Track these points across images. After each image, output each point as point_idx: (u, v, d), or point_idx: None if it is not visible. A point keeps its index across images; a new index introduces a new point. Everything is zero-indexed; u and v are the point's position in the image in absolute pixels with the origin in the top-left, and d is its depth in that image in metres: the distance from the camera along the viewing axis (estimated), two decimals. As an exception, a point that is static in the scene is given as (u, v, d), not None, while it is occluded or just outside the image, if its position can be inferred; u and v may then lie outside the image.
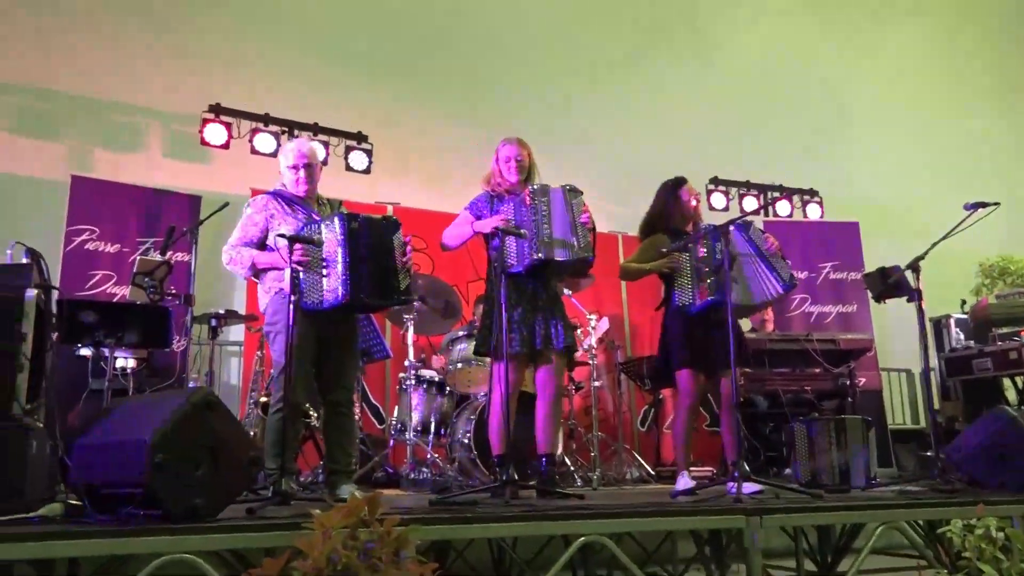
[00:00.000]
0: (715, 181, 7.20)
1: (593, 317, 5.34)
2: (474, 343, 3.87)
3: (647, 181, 4.16)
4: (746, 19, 8.41)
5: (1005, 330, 5.62)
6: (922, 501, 3.14)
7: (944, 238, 4.11)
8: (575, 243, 3.53)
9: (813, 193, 7.54)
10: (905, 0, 9.18)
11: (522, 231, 3.52)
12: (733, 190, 7.27)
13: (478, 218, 3.67)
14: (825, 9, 8.85)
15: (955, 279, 6.81)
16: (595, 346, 5.36)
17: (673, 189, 4.05)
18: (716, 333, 3.70)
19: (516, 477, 3.24)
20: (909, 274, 4.08)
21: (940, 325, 6.28)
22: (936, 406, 7.37)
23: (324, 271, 3.13)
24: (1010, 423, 3.53)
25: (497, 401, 3.46)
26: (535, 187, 3.61)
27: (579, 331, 5.36)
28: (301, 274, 3.11)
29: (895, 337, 7.64)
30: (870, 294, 4.43)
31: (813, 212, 7.44)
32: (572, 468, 4.86)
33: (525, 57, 7.46)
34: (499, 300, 3.40)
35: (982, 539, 2.62)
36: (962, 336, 6.05)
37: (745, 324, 6.34)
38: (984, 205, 4.11)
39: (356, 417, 3.78)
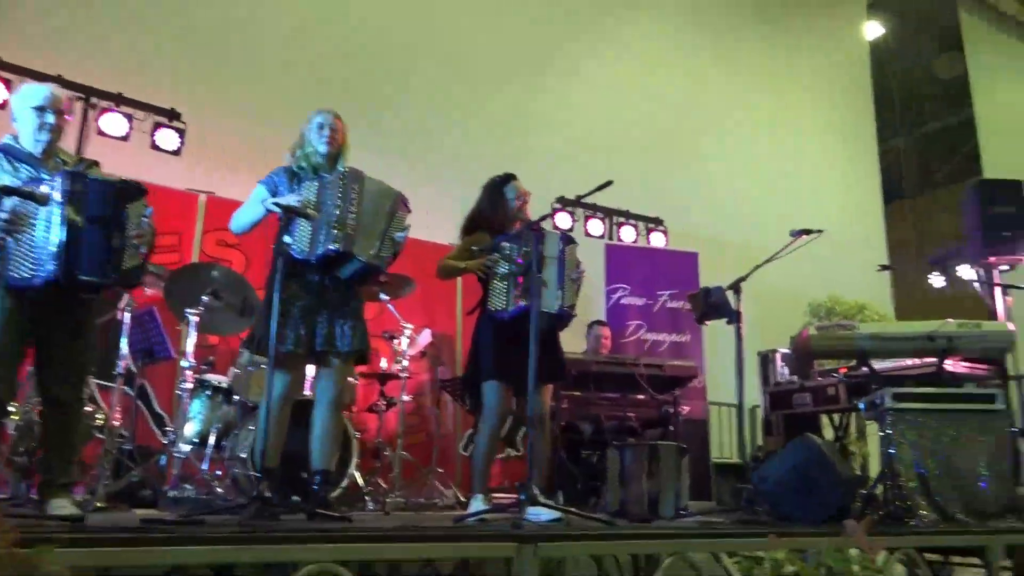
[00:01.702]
0: (561, 201, 7.04)
1: (409, 327, 4.96)
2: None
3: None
4: (607, 48, 8.44)
5: (829, 365, 5.68)
6: (715, 532, 2.92)
7: (767, 261, 4.14)
8: (377, 245, 3.21)
9: (658, 221, 7.56)
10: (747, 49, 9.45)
11: (311, 211, 3.12)
12: (579, 211, 7.14)
13: (274, 195, 3.25)
14: (680, 46, 9.01)
15: (786, 318, 6.99)
16: (408, 359, 4.99)
17: (498, 186, 3.81)
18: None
19: (285, 495, 2.93)
20: (731, 295, 4.01)
21: (766, 359, 6.31)
22: (760, 441, 7.70)
23: (36, 239, 2.62)
24: (815, 453, 3.43)
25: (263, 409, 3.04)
26: (348, 169, 3.25)
27: (397, 342, 4.99)
28: (8, 240, 2.56)
29: (727, 371, 7.77)
30: (694, 315, 4.32)
31: (657, 240, 7.47)
32: (366, 490, 4.44)
33: (381, 63, 7.08)
34: (272, 290, 2.97)
35: (770, 572, 2.42)
36: (786, 371, 6.10)
37: (580, 346, 6.20)
38: (808, 232, 4.10)
39: (95, 420, 3.22)
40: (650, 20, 8.90)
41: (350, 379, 4.72)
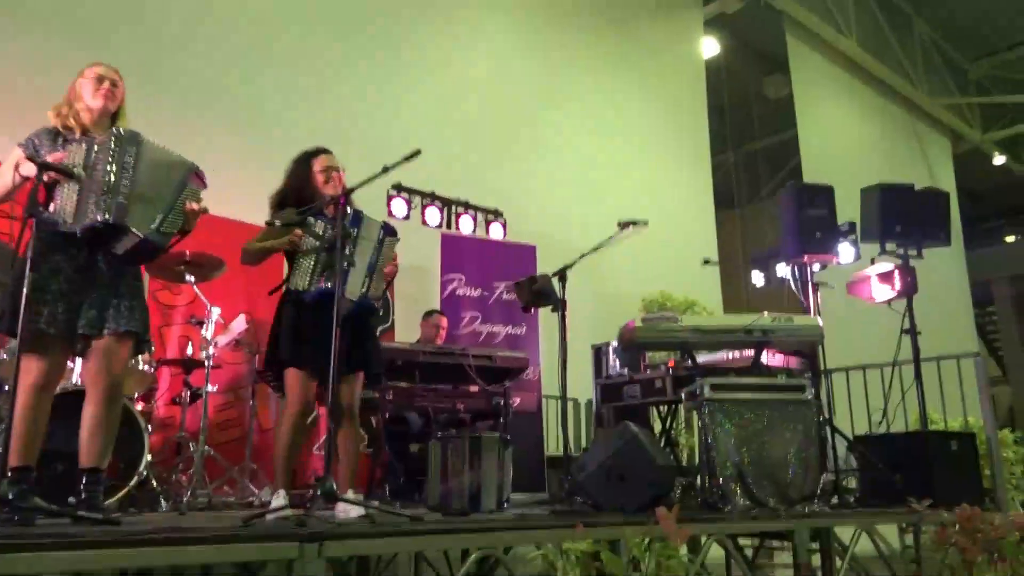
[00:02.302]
0: (397, 188, 6.76)
1: (216, 310, 4.54)
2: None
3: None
4: (455, 37, 8.32)
5: (660, 355, 5.73)
6: (525, 524, 2.76)
7: (595, 250, 4.17)
8: (159, 219, 2.89)
9: (497, 213, 7.46)
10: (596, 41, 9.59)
11: (76, 171, 2.74)
12: (416, 199, 6.91)
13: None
14: (529, 42, 9.01)
15: (622, 313, 7.10)
16: (217, 346, 4.58)
17: (305, 161, 3.54)
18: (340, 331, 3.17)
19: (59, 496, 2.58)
20: (556, 283, 3.91)
21: (600, 352, 6.36)
22: (592, 433, 7.80)
23: None
24: (631, 441, 3.37)
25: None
26: (125, 130, 2.89)
27: (207, 330, 4.56)
28: None
29: (572, 370, 7.85)
30: (520, 303, 4.21)
31: (496, 231, 7.38)
32: (159, 489, 3.99)
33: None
34: (22, 262, 2.55)
35: (575, 565, 2.26)
36: (618, 364, 6.15)
37: (412, 335, 5.97)
38: (635, 223, 4.05)
39: None
40: (503, 12, 8.83)
41: (144, 367, 4.25)
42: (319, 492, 2.64)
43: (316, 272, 3.23)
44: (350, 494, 3.26)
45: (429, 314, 5.95)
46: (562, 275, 3.87)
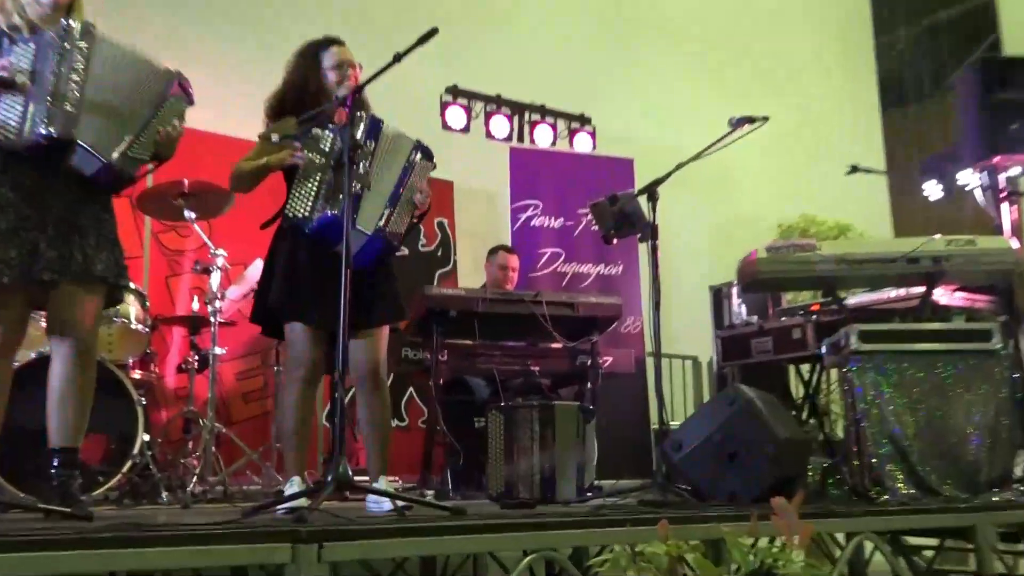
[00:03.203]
0: (453, 91, 6.67)
1: (222, 253, 4.55)
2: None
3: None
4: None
5: (804, 296, 5.53)
6: (598, 519, 2.66)
7: (696, 157, 3.88)
8: (127, 140, 2.88)
9: (584, 120, 7.33)
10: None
11: (18, 78, 2.73)
12: (478, 105, 6.82)
13: None
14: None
15: (752, 247, 6.98)
16: (229, 300, 4.62)
17: (312, 54, 3.43)
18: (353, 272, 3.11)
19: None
20: (643, 203, 3.77)
21: (721, 296, 6.24)
22: (707, 395, 7.72)
23: None
24: (743, 409, 3.25)
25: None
26: (75, 22, 2.86)
27: (215, 279, 4.60)
28: None
29: (682, 316, 7.74)
30: (600, 232, 4.10)
31: (582, 143, 7.29)
32: (159, 477, 4.08)
33: None
34: None
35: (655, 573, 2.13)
36: (744, 311, 5.96)
37: (478, 279, 5.90)
38: (751, 120, 3.86)
39: None
40: None
41: (137, 326, 4.31)
42: (329, 478, 2.59)
43: (320, 196, 3.13)
44: (382, 482, 3.26)
45: (495, 252, 5.88)
46: (651, 192, 3.68)
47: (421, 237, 6.74)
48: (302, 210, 3.14)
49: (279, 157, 3.23)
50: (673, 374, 7.82)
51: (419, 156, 3.35)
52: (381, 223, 3.23)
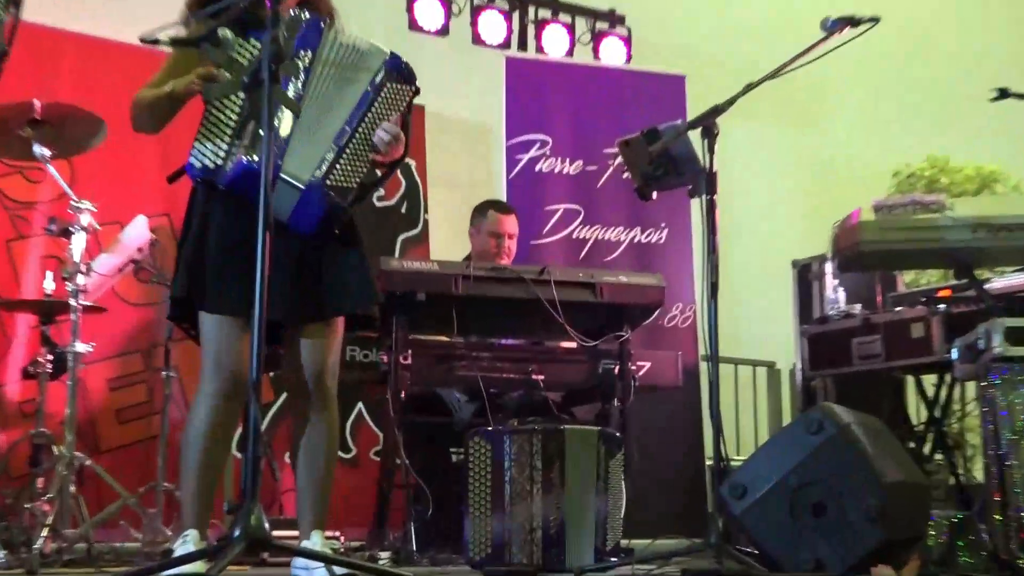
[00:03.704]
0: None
1: (88, 208, 4.56)
2: None
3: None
4: None
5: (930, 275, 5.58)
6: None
7: (776, 74, 3.90)
8: None
9: (616, 20, 7.33)
10: None
11: None
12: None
13: None
14: None
15: (857, 201, 6.99)
16: (96, 273, 4.64)
17: None
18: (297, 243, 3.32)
19: None
20: (696, 141, 3.81)
21: (808, 275, 6.37)
22: (788, 414, 7.79)
23: None
24: (836, 441, 3.31)
25: None
26: None
27: (77, 244, 4.61)
28: None
29: (752, 304, 7.76)
30: (633, 180, 4.18)
31: (611, 52, 7.37)
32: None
33: None
34: None
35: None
36: (842, 297, 6.01)
37: (458, 249, 5.96)
38: (855, 22, 3.89)
39: None
40: None
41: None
42: (236, 533, 2.62)
43: (237, 134, 3.17)
44: (315, 539, 3.30)
45: (483, 210, 5.89)
46: (708, 125, 3.71)
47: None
48: (211, 156, 3.17)
49: (184, 81, 3.26)
50: (739, 388, 7.91)
51: (389, 77, 3.38)
52: (320, 172, 3.26)
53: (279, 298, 3.10)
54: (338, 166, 3.29)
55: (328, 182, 3.27)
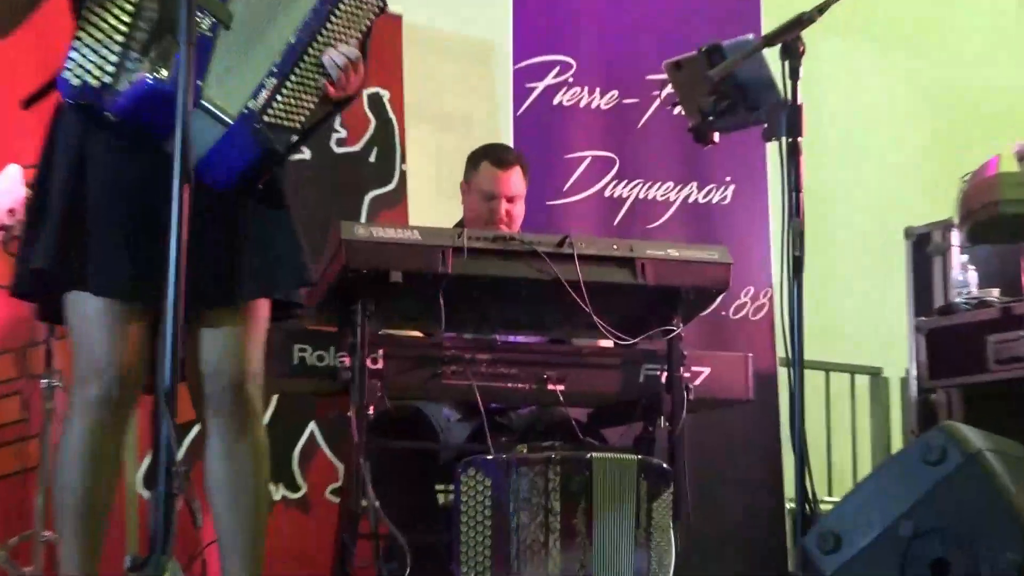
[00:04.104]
0: None
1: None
2: None
3: None
4: None
5: None
6: None
7: None
8: None
9: None
10: None
11: None
12: None
13: None
14: None
15: (996, 146, 6.99)
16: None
17: None
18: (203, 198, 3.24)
19: None
20: (773, 62, 3.83)
21: (927, 248, 6.41)
22: (898, 438, 7.80)
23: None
24: (963, 475, 3.37)
25: None
26: None
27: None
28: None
29: (852, 289, 7.78)
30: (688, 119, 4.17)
31: None
32: None
33: None
34: None
35: None
36: (973, 279, 6.02)
37: (446, 213, 6.06)
38: None
39: None
40: None
41: None
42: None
43: (132, 45, 3.20)
44: None
45: (479, 160, 5.93)
46: (789, 43, 3.71)
47: (337, 127, 6.75)
48: (95, 71, 3.19)
49: None
50: (831, 402, 7.91)
51: None
52: (256, 102, 3.29)
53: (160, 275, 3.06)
54: (280, 96, 3.35)
55: (266, 117, 3.30)
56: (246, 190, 3.37)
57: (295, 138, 3.43)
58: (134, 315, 3.28)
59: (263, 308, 3.49)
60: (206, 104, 3.16)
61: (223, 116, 3.22)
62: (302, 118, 3.40)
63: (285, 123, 3.34)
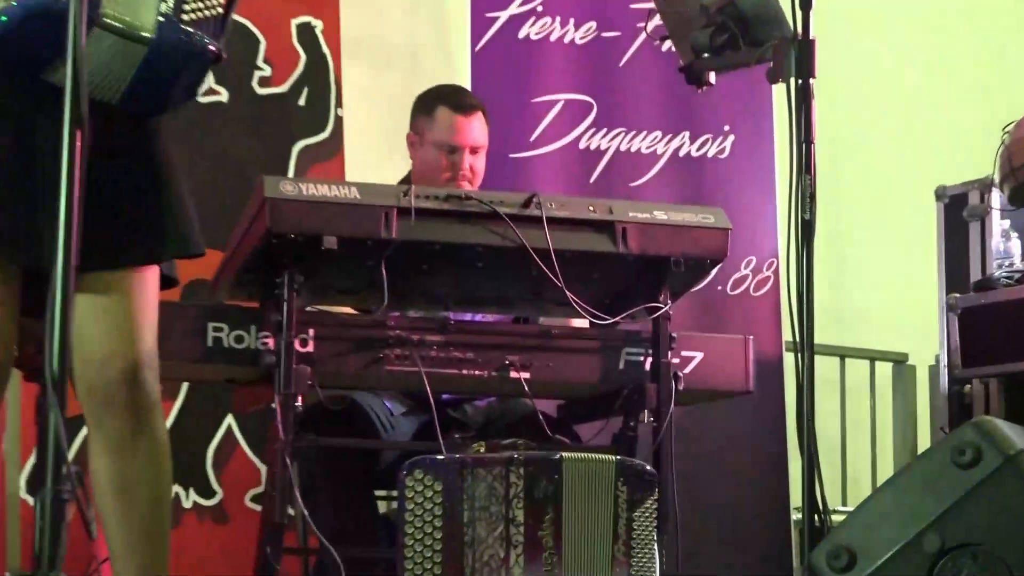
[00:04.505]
0: None
1: None
2: None
3: None
4: None
5: None
6: None
7: None
8: None
9: None
10: None
11: None
12: None
13: None
14: None
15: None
16: None
17: None
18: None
19: None
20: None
21: (962, 210, 6.45)
22: (926, 436, 7.87)
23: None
24: (1003, 476, 3.42)
25: None
26: None
27: None
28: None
29: (872, 260, 7.83)
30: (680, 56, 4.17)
31: None
32: None
33: None
34: None
35: None
36: (1017, 247, 6.07)
37: (387, 169, 5.97)
38: None
39: None
40: None
41: None
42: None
43: None
44: None
45: (429, 105, 5.99)
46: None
47: (259, 63, 6.75)
48: None
49: None
50: (847, 394, 7.97)
51: None
52: (167, 5, 3.29)
53: (39, 231, 3.13)
54: None
55: (184, 16, 3.32)
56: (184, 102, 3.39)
57: (224, 24, 3.42)
58: (11, 280, 3.28)
59: (152, 278, 3.49)
60: (110, 23, 3.15)
61: (139, 33, 3.21)
62: (210, 15, 3.38)
63: (206, 12, 3.35)
